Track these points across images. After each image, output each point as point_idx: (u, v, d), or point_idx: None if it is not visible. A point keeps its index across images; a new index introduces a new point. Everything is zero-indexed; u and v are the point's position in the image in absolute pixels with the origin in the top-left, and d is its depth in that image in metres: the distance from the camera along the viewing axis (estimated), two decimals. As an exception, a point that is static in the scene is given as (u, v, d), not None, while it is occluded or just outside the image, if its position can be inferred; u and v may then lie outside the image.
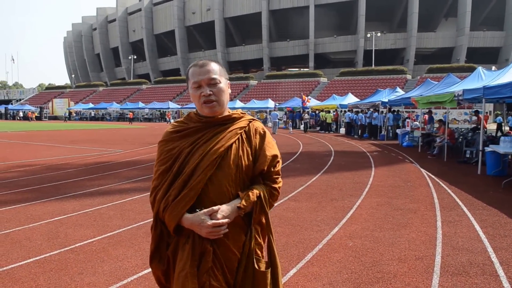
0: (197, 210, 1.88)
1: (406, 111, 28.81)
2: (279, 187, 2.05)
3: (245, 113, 2.18)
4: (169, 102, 57.77)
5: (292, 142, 21.54)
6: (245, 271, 1.93)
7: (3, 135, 27.46)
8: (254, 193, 1.94)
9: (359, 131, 26.75)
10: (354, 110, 29.46)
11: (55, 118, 67.44)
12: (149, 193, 2.04)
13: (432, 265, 4.39)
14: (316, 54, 69.64)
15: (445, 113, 19.09)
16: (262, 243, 2.07)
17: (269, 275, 1.97)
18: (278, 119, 43.35)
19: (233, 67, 78.73)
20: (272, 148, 2.05)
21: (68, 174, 10.81)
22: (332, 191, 8.42)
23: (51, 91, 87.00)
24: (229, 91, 2.11)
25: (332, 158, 14.56)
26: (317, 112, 36.25)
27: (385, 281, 3.95)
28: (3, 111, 72.00)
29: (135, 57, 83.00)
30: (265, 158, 2.00)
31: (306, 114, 34.27)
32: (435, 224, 6.01)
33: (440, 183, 9.50)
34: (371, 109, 26.02)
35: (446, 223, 6.06)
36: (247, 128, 2.07)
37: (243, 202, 1.90)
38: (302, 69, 71.18)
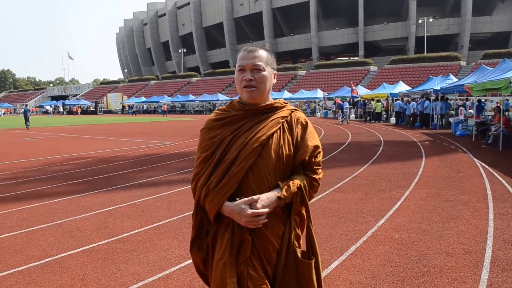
0: (237, 198, 1.87)
1: (460, 99, 27.61)
2: (319, 178, 2.02)
3: (287, 103, 2.15)
4: (219, 94, 58.37)
5: (340, 132, 21.22)
6: (286, 262, 1.92)
7: (61, 129, 28.77)
8: (294, 184, 1.91)
9: (410, 120, 25.94)
10: (405, 98, 28.58)
11: (109, 112, 69.91)
12: None
13: (482, 259, 4.18)
14: (366, 42, 68.11)
15: (501, 101, 18.15)
16: (300, 234, 2.04)
17: (313, 266, 1.95)
18: (327, 109, 42.90)
19: (282, 58, 78.41)
20: (313, 138, 2.03)
21: (119, 166, 11.16)
22: (380, 182, 8.21)
23: (105, 86, 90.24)
24: (274, 81, 2.08)
25: (381, 148, 14.21)
26: (366, 101, 35.44)
27: (430, 275, 3.80)
28: (57, 107, 75.24)
29: (184, 50, 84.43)
30: (306, 149, 1.97)
31: (347, 103, 33.22)
32: (486, 216, 5.73)
33: (494, 173, 9.05)
34: (423, 98, 25.15)
35: (499, 215, 5.76)
36: (289, 117, 2.05)
37: (284, 192, 1.88)
38: (351, 58, 69.86)
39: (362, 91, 38.65)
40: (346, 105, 30.84)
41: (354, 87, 36.56)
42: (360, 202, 6.61)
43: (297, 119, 2.06)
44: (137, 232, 5.28)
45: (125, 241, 4.95)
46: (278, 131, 1.99)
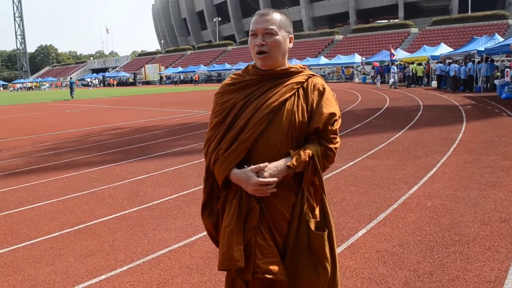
0: (245, 166, 1.82)
1: (507, 60, 26.23)
2: (335, 148, 1.90)
3: (305, 68, 2.04)
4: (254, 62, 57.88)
5: (378, 97, 20.68)
6: (297, 234, 1.85)
7: (100, 101, 29.44)
8: (306, 153, 1.82)
9: (452, 83, 24.94)
10: (447, 61, 27.42)
11: (147, 83, 70.87)
12: None
13: (520, 227, 3.99)
14: (406, 3, 65.23)
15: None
16: (315, 205, 1.96)
17: (326, 237, 1.88)
18: (364, 74, 41.83)
19: (318, 23, 76.53)
20: (330, 105, 1.90)
21: (154, 135, 11.33)
22: (416, 148, 7.96)
23: (143, 58, 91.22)
24: (290, 45, 1.97)
25: (420, 113, 13.76)
26: (405, 65, 34.27)
27: (462, 244, 3.66)
28: (95, 79, 76.88)
29: (219, 19, 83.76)
30: (321, 116, 1.86)
31: (394, 67, 32.19)
32: (528, 182, 5.46)
33: (541, 137, 8.60)
34: (466, 60, 24.05)
35: (542, 181, 5.48)
36: (305, 83, 1.94)
37: (293, 161, 1.79)
38: (391, 21, 67.36)
39: (401, 54, 37.30)
40: (394, 69, 29.78)
41: (393, 51, 35.35)
42: (393, 169, 6.43)
43: (314, 85, 1.94)
44: (166, 200, 5.35)
45: (155, 209, 5.02)
46: (293, 97, 1.89)
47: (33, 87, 75.85)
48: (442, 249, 3.59)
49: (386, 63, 36.05)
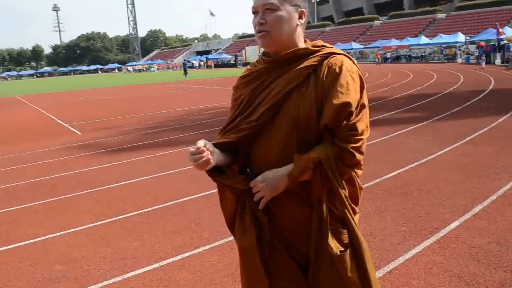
0: (248, 170, 1.59)
1: None
2: (354, 148, 1.49)
3: (325, 45, 1.66)
4: (352, 42, 56.07)
5: (482, 79, 18.86)
6: (317, 251, 1.56)
7: (201, 82, 30.49)
8: (309, 158, 1.49)
9: None
10: None
11: (247, 64, 72.02)
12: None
13: None
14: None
15: None
16: (341, 216, 1.59)
17: (347, 258, 1.55)
18: (468, 54, 38.41)
19: (419, 1, 71.85)
20: (344, 93, 1.50)
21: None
22: (530, 133, 7.09)
23: (244, 40, 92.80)
24: (301, 21, 1.63)
25: (539, 94, 12.30)
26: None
27: None
28: (194, 62, 79.81)
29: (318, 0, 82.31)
30: (330, 109, 1.49)
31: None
32: None
33: None
34: None
35: None
36: (319, 67, 1.57)
37: (292, 169, 1.50)
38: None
39: (510, 32, 33.59)
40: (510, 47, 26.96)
41: (500, 29, 31.95)
42: (494, 156, 5.75)
43: (329, 67, 1.55)
44: (255, 180, 5.31)
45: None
46: (301, 86, 1.56)
47: (143, 69, 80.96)
48: (560, 250, 3.10)
49: (493, 42, 32.71)
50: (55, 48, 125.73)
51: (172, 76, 40.97)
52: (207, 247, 3.52)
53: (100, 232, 4.03)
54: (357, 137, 1.50)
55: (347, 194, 1.59)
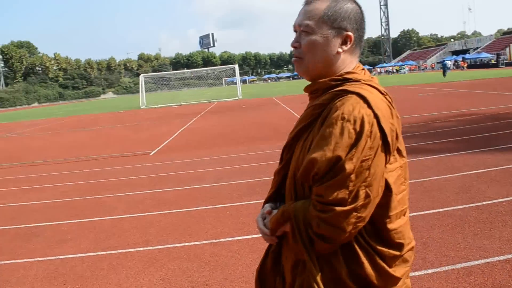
0: (278, 203, 1.48)
1: None
2: (321, 218, 1.19)
3: (350, 78, 1.33)
4: None
5: None
6: None
7: (455, 85, 28.25)
8: (283, 210, 1.33)
9: None
10: None
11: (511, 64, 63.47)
12: None
13: None
14: None
15: None
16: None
17: None
18: None
19: None
20: (320, 146, 1.21)
21: (507, 124, 10.04)
22: None
23: (508, 36, 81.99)
24: (343, 48, 1.35)
25: None
26: None
27: None
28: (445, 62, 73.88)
29: None
30: (304, 161, 1.24)
31: None
32: None
33: None
34: None
35: None
36: (327, 107, 1.29)
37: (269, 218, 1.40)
38: None
39: None
40: None
41: None
42: None
43: (330, 110, 1.25)
44: (499, 202, 4.66)
45: (483, 210, 4.45)
46: (306, 129, 1.36)
47: (393, 71, 79.89)
48: None
49: None
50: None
51: (423, 78, 39.25)
52: (429, 271, 3.27)
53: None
54: (325, 206, 1.19)
55: (344, 274, 1.25)
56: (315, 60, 1.36)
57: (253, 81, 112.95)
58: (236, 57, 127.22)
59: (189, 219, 5.09)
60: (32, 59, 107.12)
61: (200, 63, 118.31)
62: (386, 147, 1.22)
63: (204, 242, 4.32)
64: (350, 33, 1.35)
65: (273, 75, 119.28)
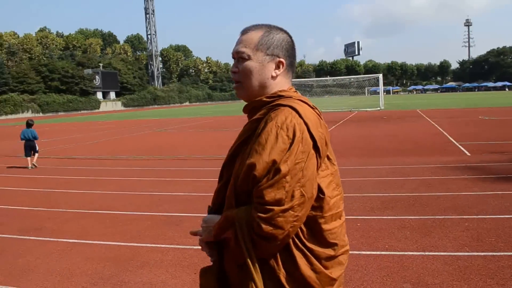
0: (209, 206, 1.62)
1: None
2: (262, 218, 1.29)
3: (283, 95, 1.47)
4: None
5: None
6: None
7: None
8: (226, 215, 1.41)
9: None
10: None
11: None
12: None
13: None
14: None
15: None
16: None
17: None
18: None
19: None
20: (257, 152, 1.33)
21: None
22: None
23: None
24: (277, 72, 1.50)
25: None
26: None
27: None
28: None
29: None
30: (244, 168, 1.36)
31: None
32: None
33: None
34: None
35: None
36: (262, 121, 1.41)
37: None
38: None
39: None
40: None
41: None
42: None
43: (265, 122, 1.39)
44: None
45: None
46: (245, 143, 1.45)
47: None
48: None
49: None
50: (462, 63, 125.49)
51: None
52: None
53: (459, 264, 3.86)
54: (265, 207, 1.29)
55: (282, 277, 1.35)
56: (253, 84, 1.50)
57: (397, 91, 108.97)
58: (381, 66, 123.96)
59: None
60: (187, 61, 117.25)
61: (343, 71, 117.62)
62: (316, 152, 1.35)
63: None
64: (282, 59, 1.50)
65: (419, 87, 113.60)
